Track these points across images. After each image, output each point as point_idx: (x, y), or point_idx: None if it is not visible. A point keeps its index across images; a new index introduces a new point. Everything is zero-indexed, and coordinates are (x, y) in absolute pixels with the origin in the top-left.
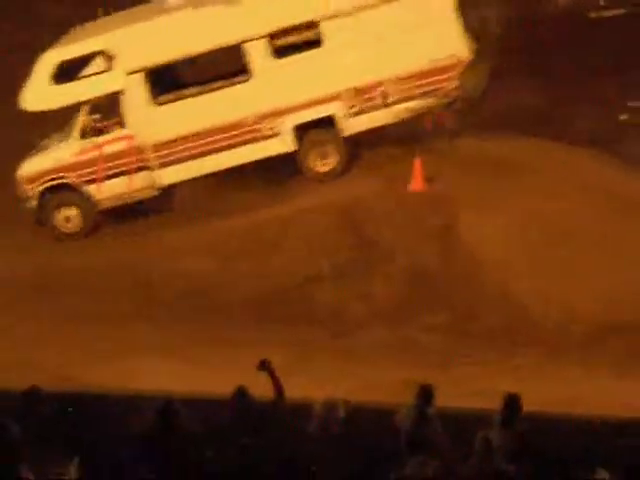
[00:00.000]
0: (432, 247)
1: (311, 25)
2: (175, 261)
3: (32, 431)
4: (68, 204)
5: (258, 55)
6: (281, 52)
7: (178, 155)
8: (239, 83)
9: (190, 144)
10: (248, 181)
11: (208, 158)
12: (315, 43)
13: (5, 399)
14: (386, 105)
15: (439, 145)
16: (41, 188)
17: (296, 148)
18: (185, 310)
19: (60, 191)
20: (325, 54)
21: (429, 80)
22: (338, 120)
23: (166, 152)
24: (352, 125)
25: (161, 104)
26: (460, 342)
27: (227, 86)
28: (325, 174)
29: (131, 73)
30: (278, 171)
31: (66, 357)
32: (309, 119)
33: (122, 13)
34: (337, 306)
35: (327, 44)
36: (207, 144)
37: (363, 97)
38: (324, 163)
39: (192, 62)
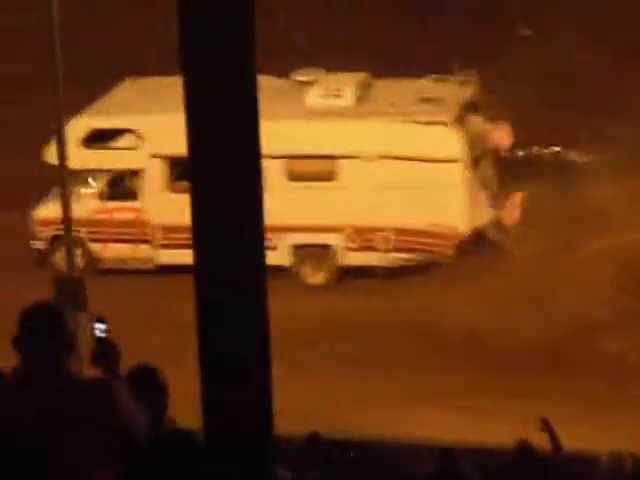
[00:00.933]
0: None
1: (330, 158)
2: (452, 310)
3: (313, 476)
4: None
5: (274, 172)
6: (296, 176)
7: (181, 241)
8: None
9: (185, 234)
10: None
11: None
12: (330, 176)
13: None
14: (383, 250)
15: None
16: (53, 233)
17: (290, 264)
18: (460, 358)
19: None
20: (336, 188)
21: (426, 240)
22: (335, 250)
23: (171, 235)
24: (347, 258)
25: (175, 191)
26: None
27: None
28: (314, 285)
29: (154, 157)
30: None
31: (338, 402)
32: (306, 243)
33: (149, 85)
34: (617, 356)
35: (340, 180)
36: None
37: (363, 237)
38: (314, 278)
39: None
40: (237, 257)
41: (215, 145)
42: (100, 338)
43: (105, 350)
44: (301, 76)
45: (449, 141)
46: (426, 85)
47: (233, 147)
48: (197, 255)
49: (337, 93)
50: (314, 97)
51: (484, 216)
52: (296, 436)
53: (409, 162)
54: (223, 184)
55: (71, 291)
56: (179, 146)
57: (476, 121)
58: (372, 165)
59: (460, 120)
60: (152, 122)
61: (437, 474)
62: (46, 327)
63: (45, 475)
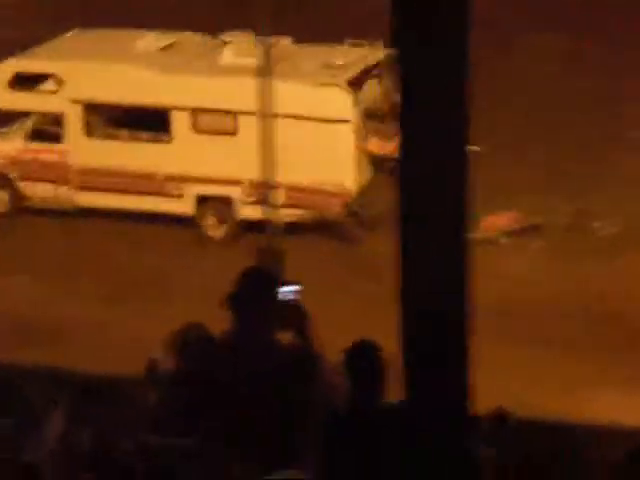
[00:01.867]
0: None
1: (231, 114)
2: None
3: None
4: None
5: (181, 125)
6: (200, 128)
7: (97, 185)
8: (160, 142)
9: (108, 179)
10: None
11: (120, 196)
12: (232, 131)
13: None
14: (278, 206)
15: None
16: None
17: (194, 213)
18: None
19: None
20: (236, 143)
21: (316, 198)
22: (235, 202)
23: (86, 178)
24: (246, 211)
25: (93, 136)
26: None
27: (150, 141)
28: (215, 240)
29: (74, 102)
30: None
31: (529, 384)
32: (210, 194)
33: (90, 35)
34: None
35: (241, 135)
36: (122, 184)
37: (259, 191)
38: (216, 231)
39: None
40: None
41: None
42: (289, 302)
43: (295, 314)
44: (227, 37)
45: (339, 102)
46: (339, 50)
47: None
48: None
49: (248, 53)
50: (227, 56)
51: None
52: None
53: (303, 121)
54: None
55: (271, 262)
56: (97, 92)
57: (374, 84)
58: (270, 122)
59: (357, 83)
60: (72, 68)
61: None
62: (262, 291)
63: (251, 436)
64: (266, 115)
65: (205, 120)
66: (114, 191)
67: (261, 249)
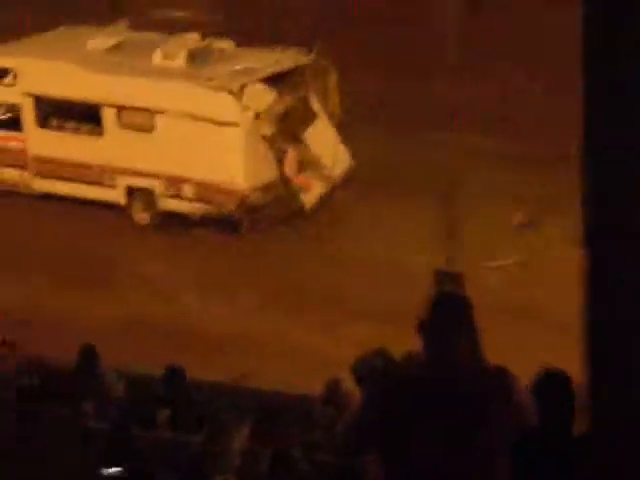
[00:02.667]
0: None
1: (148, 112)
2: None
3: None
4: None
5: (109, 120)
6: (126, 124)
7: (47, 172)
8: (96, 135)
9: (55, 166)
10: None
11: (65, 183)
12: (150, 128)
13: None
14: (187, 199)
15: None
16: None
17: (125, 202)
18: None
19: None
20: (153, 139)
21: (217, 194)
22: (156, 195)
23: (40, 165)
24: (165, 203)
25: (43, 127)
26: None
27: (89, 134)
28: (142, 227)
29: (26, 95)
30: None
31: None
32: (136, 186)
33: (60, 33)
34: None
35: (157, 132)
36: (66, 171)
37: (173, 185)
38: (142, 219)
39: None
40: None
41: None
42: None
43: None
44: (174, 38)
45: (228, 106)
46: (266, 55)
47: None
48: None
49: (174, 55)
50: (156, 57)
51: (271, 173)
52: None
53: (203, 122)
54: None
55: (451, 284)
56: (44, 86)
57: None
58: (178, 121)
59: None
60: (26, 64)
61: None
62: (457, 317)
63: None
64: (174, 114)
65: (128, 117)
66: (62, 179)
67: (439, 272)
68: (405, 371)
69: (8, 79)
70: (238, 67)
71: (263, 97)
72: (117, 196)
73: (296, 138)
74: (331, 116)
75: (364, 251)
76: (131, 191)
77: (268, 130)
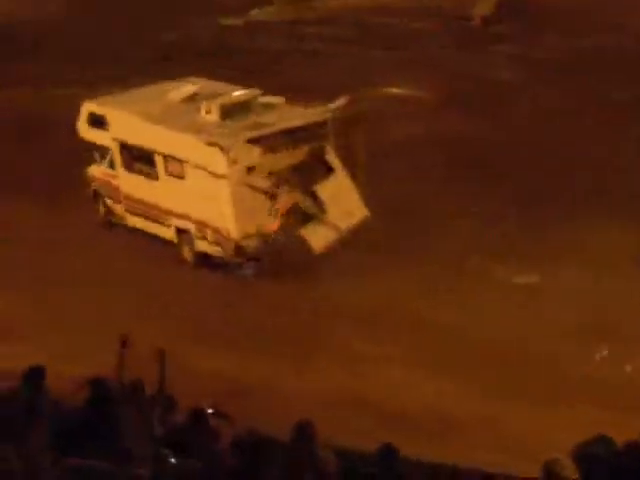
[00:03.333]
0: None
1: (179, 161)
2: None
3: None
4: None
5: (160, 166)
6: (169, 171)
7: (131, 208)
8: (154, 179)
9: (134, 204)
10: None
11: (143, 221)
12: (182, 175)
13: None
14: (211, 242)
15: None
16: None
17: (176, 242)
18: None
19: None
20: (184, 186)
21: (221, 238)
22: (192, 235)
23: (127, 202)
24: (198, 244)
25: (127, 168)
26: None
27: (152, 178)
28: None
29: (114, 140)
30: None
31: None
32: (182, 227)
33: (143, 89)
34: None
35: (187, 179)
36: (142, 210)
37: (200, 228)
38: (188, 256)
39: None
40: None
41: None
42: None
43: None
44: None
45: (218, 161)
46: (296, 111)
47: None
48: None
49: (210, 109)
50: (202, 110)
51: (265, 223)
52: None
53: (205, 172)
54: None
55: None
56: (124, 134)
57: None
58: (196, 171)
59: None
60: (114, 113)
61: None
62: None
63: None
64: (192, 165)
65: (169, 164)
66: (140, 216)
67: None
68: (627, 460)
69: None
70: (250, 122)
71: (250, 152)
72: (172, 235)
73: (306, 190)
74: (357, 167)
75: None
76: (179, 231)
77: (262, 183)
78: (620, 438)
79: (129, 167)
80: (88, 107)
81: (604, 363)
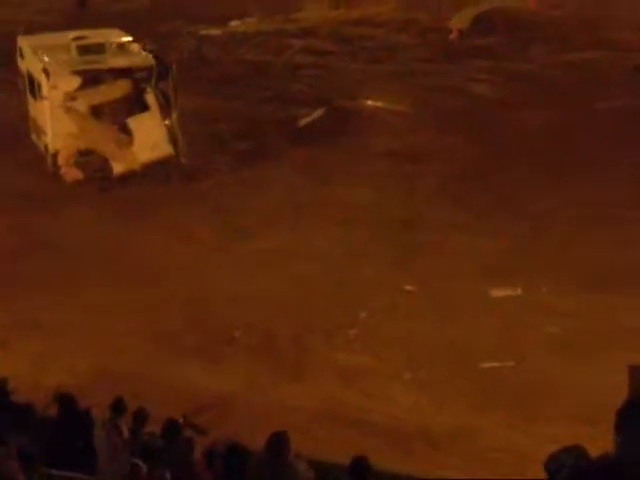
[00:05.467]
0: None
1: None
2: None
3: None
4: None
5: (36, 88)
6: (41, 94)
7: (35, 131)
8: (37, 99)
9: (35, 126)
10: None
11: (38, 139)
12: None
13: None
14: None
15: None
16: None
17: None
18: None
19: None
20: (45, 105)
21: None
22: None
23: (33, 126)
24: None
25: (29, 93)
26: None
27: (36, 98)
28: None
29: (25, 69)
30: None
31: None
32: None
33: (58, 34)
34: None
35: (46, 100)
36: (37, 131)
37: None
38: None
39: None
40: None
41: None
42: None
43: None
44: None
45: (43, 84)
46: (125, 53)
47: None
48: None
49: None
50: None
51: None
52: None
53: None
54: None
55: None
56: None
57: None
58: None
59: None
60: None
61: None
62: None
63: None
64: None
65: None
66: (37, 136)
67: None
68: (593, 468)
69: None
70: (92, 59)
71: (70, 81)
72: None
73: (117, 121)
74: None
75: None
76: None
77: (81, 107)
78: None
79: (31, 92)
80: (19, 41)
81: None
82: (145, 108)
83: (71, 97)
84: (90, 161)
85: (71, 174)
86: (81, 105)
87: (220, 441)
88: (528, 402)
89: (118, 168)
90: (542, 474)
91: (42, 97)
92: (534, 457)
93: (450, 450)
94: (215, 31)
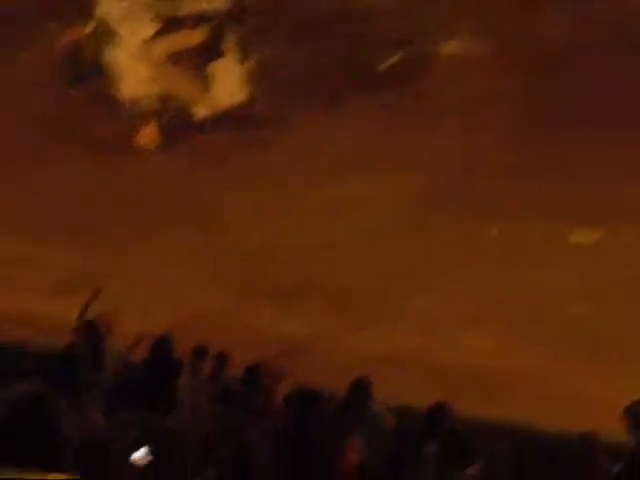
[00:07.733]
0: None
1: None
2: None
3: None
4: None
5: None
6: None
7: None
8: None
9: None
10: None
11: None
12: None
13: None
14: None
15: None
16: None
17: None
18: None
19: None
20: None
21: None
22: None
23: None
24: None
25: None
26: None
27: None
28: None
29: None
30: None
31: None
32: None
33: None
34: None
35: None
36: None
37: None
38: None
39: None
40: None
41: None
42: None
43: None
44: None
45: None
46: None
47: None
48: None
49: None
50: None
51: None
52: None
53: None
54: None
55: None
56: None
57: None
58: None
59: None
60: None
61: None
62: None
63: None
64: None
65: None
66: None
67: None
68: None
69: None
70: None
71: (148, 27)
72: None
73: (195, 67)
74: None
75: None
76: None
77: (159, 54)
78: None
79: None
80: None
81: None
82: (222, 54)
83: (149, 43)
84: (168, 108)
85: (145, 137)
86: (159, 51)
87: (299, 388)
88: (606, 350)
89: (199, 112)
90: (616, 423)
91: (120, 43)
92: (610, 405)
93: (528, 394)
94: None
